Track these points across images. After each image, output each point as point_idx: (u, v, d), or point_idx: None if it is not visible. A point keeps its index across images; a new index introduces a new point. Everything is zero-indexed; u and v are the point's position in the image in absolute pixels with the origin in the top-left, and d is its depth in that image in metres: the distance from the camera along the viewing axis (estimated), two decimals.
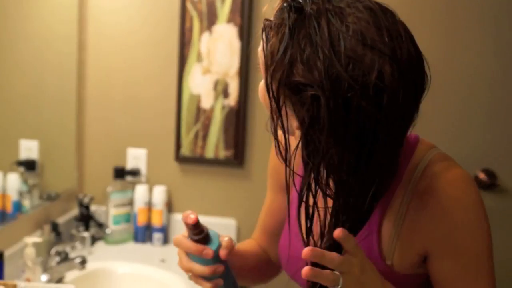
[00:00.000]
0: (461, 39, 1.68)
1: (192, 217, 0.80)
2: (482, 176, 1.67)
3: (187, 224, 0.81)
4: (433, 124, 1.66)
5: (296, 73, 0.65)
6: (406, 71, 0.65)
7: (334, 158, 0.67)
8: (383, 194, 0.74)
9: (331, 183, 0.70)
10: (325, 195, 0.70)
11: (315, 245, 0.72)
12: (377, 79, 0.63)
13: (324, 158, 0.67)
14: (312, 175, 0.69)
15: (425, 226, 0.77)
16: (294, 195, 0.91)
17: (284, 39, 0.66)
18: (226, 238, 0.84)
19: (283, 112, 0.69)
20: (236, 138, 1.78)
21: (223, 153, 1.79)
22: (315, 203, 0.71)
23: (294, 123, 0.71)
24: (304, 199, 0.72)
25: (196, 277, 0.84)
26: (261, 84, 0.74)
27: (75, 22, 1.80)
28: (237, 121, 1.77)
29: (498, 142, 1.69)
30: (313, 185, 0.70)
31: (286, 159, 0.72)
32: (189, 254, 0.83)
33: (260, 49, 0.72)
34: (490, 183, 1.67)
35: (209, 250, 0.81)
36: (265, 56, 0.69)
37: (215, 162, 1.81)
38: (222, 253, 0.82)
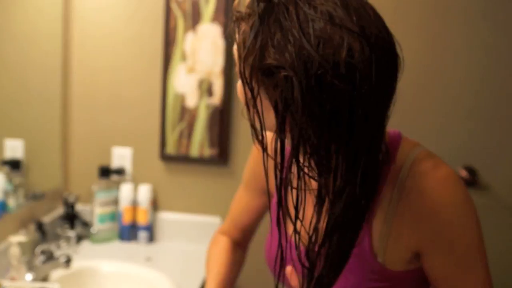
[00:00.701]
0: (442, 37, 1.68)
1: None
2: (463, 173, 1.67)
3: None
4: (416, 122, 1.68)
5: (267, 56, 0.65)
6: (376, 49, 0.65)
7: (313, 139, 0.66)
8: (374, 186, 0.74)
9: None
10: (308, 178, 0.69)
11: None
12: (347, 56, 0.63)
13: (303, 139, 0.66)
14: (294, 160, 0.68)
15: (416, 225, 0.77)
16: (275, 199, 0.90)
17: (255, 26, 0.66)
18: None
19: (258, 101, 0.68)
20: (221, 136, 1.77)
21: (207, 152, 1.79)
22: (299, 186, 0.70)
23: (270, 115, 0.69)
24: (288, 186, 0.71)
25: None
26: (239, 82, 0.73)
27: (59, 20, 1.79)
28: (222, 120, 1.77)
29: (479, 139, 1.69)
30: (294, 169, 0.69)
31: (263, 148, 0.71)
32: None
33: (235, 47, 0.71)
34: (471, 180, 1.67)
35: None
36: (237, 45, 0.69)
37: (200, 160, 1.80)
38: None
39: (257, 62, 0.66)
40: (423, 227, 0.76)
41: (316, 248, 0.72)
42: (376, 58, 0.65)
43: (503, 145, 1.68)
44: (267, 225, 0.98)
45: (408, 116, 1.66)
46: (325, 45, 0.63)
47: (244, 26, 0.69)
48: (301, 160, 0.69)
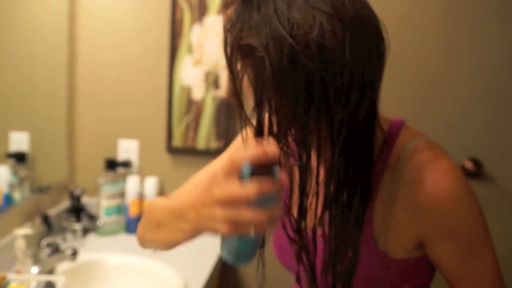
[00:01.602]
0: (454, 33, 1.69)
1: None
2: (468, 165, 1.68)
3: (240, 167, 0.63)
4: (423, 114, 1.70)
5: (245, 38, 0.68)
6: (351, 29, 0.65)
7: (288, 117, 0.67)
8: (369, 168, 0.73)
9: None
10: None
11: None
12: (318, 36, 0.64)
13: (278, 117, 0.68)
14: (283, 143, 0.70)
15: (417, 216, 0.76)
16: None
17: (236, 10, 0.70)
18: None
19: (238, 81, 0.73)
20: (227, 129, 1.77)
21: (214, 144, 1.78)
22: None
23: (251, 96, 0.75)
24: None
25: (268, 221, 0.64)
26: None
27: (65, 14, 1.79)
28: (228, 112, 1.76)
29: (485, 132, 1.70)
30: (279, 144, 0.70)
31: (242, 119, 0.75)
32: (259, 200, 0.62)
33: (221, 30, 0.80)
34: (476, 172, 1.68)
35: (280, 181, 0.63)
36: (223, 27, 0.74)
37: (207, 153, 1.79)
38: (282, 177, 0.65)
39: (236, 43, 0.70)
40: (425, 218, 0.75)
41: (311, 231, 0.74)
42: (351, 39, 0.65)
43: (508, 138, 1.70)
44: None
45: (416, 107, 1.71)
46: (298, 26, 0.64)
47: (229, 11, 0.73)
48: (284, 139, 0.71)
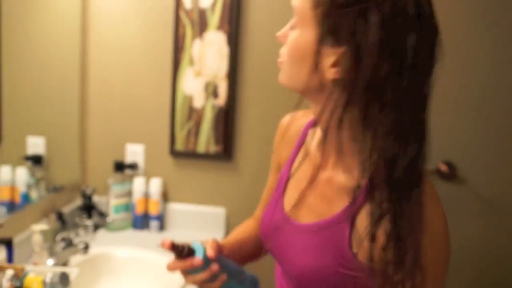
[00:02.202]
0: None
1: (167, 242, 0.80)
2: (443, 167, 1.67)
3: (168, 250, 0.81)
4: None
5: None
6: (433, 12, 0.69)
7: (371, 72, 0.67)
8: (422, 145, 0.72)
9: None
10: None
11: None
12: (415, 5, 0.67)
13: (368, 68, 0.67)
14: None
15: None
16: (284, 171, 0.91)
17: None
18: (209, 240, 0.85)
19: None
20: (225, 134, 1.77)
21: (213, 148, 1.78)
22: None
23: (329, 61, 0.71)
24: None
25: (203, 284, 0.84)
26: (294, 37, 0.75)
27: (78, 28, 1.78)
28: (226, 119, 1.76)
29: (458, 137, 1.69)
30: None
31: None
32: (187, 271, 0.83)
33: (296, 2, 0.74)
34: (450, 174, 1.67)
35: (197, 259, 0.81)
36: None
37: (206, 156, 1.79)
38: (210, 253, 0.83)
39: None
40: None
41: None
42: (434, 17, 0.69)
43: (480, 142, 1.68)
44: None
45: None
46: None
47: None
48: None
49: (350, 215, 0.76)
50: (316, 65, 0.71)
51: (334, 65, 0.70)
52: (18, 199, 1.47)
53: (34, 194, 1.55)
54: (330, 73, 0.71)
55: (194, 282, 0.84)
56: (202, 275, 0.82)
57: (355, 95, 0.69)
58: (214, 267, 0.82)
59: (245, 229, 1.04)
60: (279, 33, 0.79)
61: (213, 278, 0.83)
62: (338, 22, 0.68)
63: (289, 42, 0.76)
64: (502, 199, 1.68)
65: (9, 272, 1.09)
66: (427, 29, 0.68)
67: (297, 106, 0.81)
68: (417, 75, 0.69)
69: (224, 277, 0.84)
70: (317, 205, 0.82)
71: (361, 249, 0.75)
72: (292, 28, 0.77)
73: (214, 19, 1.71)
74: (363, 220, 0.74)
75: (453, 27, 1.63)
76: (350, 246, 0.76)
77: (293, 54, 0.75)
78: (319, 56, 0.71)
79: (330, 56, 0.70)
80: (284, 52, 0.78)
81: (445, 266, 0.75)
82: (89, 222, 1.71)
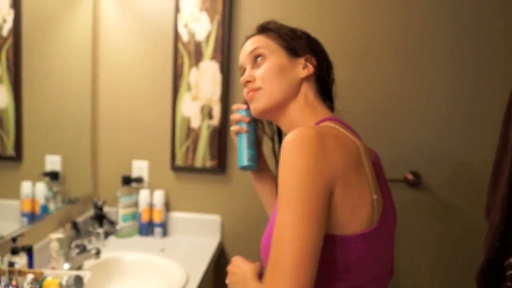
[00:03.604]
0: (398, 53, 1.62)
1: (242, 106, 1.04)
2: (410, 176, 1.65)
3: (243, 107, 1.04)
4: (373, 133, 1.64)
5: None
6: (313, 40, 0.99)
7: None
8: None
9: None
10: None
11: None
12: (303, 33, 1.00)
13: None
14: None
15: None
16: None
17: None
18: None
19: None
20: (219, 151, 1.76)
21: (209, 163, 1.78)
22: None
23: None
24: None
25: (234, 121, 1.05)
26: (268, 64, 0.92)
27: (89, 59, 1.79)
28: (220, 138, 1.75)
29: (423, 149, 1.66)
30: None
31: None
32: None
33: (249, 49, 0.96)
34: (417, 182, 1.65)
35: (243, 105, 1.04)
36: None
37: (203, 170, 1.79)
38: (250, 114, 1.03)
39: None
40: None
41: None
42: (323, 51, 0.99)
43: (442, 154, 1.66)
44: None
45: (369, 127, 1.65)
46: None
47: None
48: None
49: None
50: (293, 70, 0.91)
51: (304, 67, 0.92)
52: (38, 210, 1.47)
53: (52, 206, 1.55)
54: (303, 73, 0.91)
55: (234, 120, 1.05)
56: (238, 116, 1.05)
57: (320, 76, 0.94)
58: (246, 119, 1.03)
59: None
60: (243, 78, 0.91)
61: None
62: (293, 42, 0.93)
63: (265, 69, 0.90)
64: (459, 203, 1.67)
65: (30, 276, 1.09)
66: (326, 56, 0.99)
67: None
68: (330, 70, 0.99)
69: (242, 129, 1.03)
70: None
71: None
72: (257, 67, 0.90)
73: (208, 50, 1.72)
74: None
75: (417, 47, 1.61)
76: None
77: (272, 74, 0.89)
78: (294, 64, 0.91)
79: (299, 63, 0.92)
80: (258, 80, 0.90)
81: (288, 185, 0.69)
82: (100, 230, 1.71)
